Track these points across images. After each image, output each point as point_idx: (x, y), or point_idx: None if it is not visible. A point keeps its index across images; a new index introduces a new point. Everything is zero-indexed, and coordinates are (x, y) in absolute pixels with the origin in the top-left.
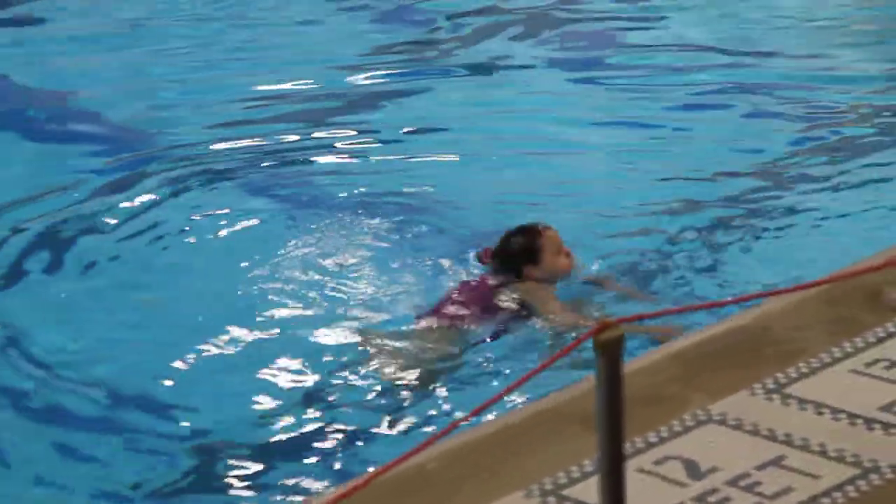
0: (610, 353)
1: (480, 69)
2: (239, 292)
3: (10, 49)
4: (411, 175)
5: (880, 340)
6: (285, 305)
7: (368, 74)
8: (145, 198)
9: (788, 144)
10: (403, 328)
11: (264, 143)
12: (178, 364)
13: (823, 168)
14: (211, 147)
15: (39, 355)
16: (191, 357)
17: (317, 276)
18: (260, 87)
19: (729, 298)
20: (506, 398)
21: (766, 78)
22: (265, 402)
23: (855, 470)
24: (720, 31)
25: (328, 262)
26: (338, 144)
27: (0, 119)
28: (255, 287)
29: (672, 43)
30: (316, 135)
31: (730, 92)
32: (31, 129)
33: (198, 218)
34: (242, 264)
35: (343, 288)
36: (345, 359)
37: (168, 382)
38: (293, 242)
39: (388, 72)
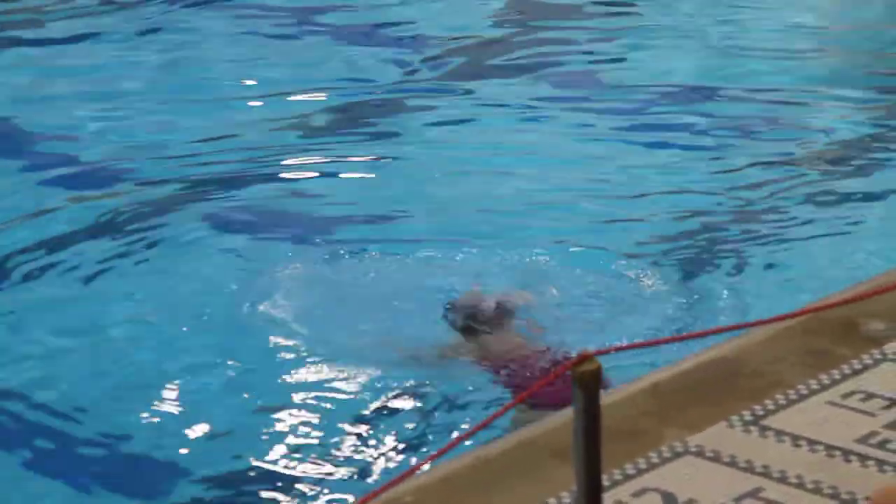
0: (588, 386)
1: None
2: (213, 320)
3: None
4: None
5: (856, 372)
6: (262, 335)
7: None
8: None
9: (764, 175)
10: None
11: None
12: (155, 388)
13: (797, 202)
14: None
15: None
16: (167, 387)
17: (291, 309)
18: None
19: (705, 330)
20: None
21: (745, 109)
22: (237, 436)
23: (833, 501)
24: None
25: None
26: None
27: None
28: (227, 317)
29: (651, 77)
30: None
31: (708, 124)
32: None
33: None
34: (230, 288)
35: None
36: (318, 392)
37: (142, 407)
38: (275, 266)
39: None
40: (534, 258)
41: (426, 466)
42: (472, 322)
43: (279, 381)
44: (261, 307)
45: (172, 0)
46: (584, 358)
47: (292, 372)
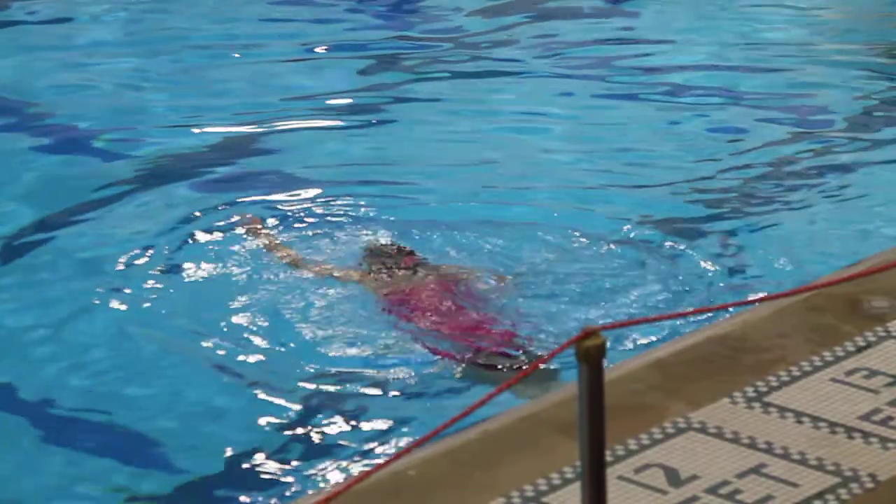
0: (592, 361)
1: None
2: (220, 310)
3: None
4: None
5: (860, 349)
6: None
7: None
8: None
9: (768, 157)
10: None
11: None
12: (158, 372)
13: (804, 178)
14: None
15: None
16: (174, 365)
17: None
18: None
19: (709, 306)
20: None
21: (754, 87)
22: (245, 410)
23: (835, 478)
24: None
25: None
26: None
27: None
28: (236, 304)
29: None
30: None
31: (717, 102)
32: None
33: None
34: (235, 275)
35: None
36: (323, 365)
37: (145, 390)
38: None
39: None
40: (533, 232)
41: (431, 440)
42: (372, 258)
43: (281, 353)
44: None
45: None
46: (588, 333)
47: (301, 340)
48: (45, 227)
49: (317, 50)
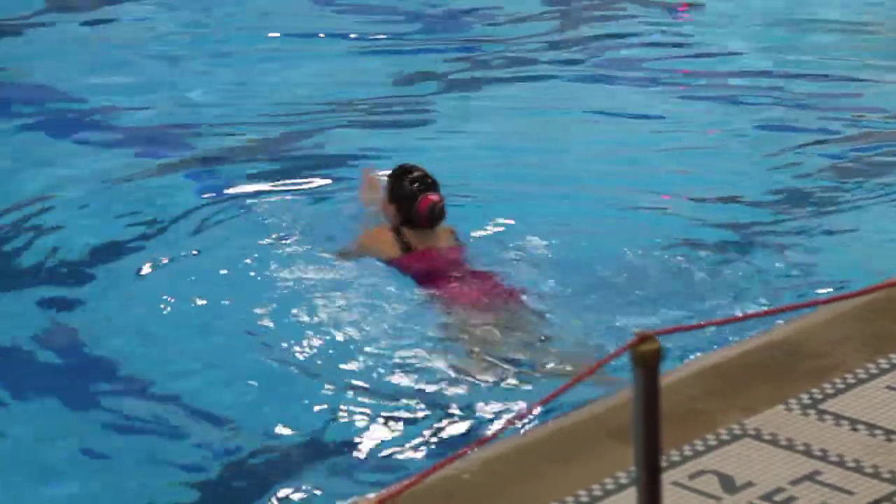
0: (647, 366)
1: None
2: (263, 307)
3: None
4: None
5: None
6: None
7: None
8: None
9: (827, 157)
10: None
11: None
12: (211, 368)
13: (861, 181)
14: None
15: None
16: (224, 363)
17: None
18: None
19: (766, 309)
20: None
21: (811, 89)
22: (299, 411)
23: (891, 486)
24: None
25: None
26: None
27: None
28: (279, 303)
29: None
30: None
31: (771, 103)
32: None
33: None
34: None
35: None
36: (377, 367)
37: (202, 388)
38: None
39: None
40: (587, 234)
41: (486, 444)
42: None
43: (334, 353)
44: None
45: None
46: (644, 338)
47: (351, 337)
48: (102, 229)
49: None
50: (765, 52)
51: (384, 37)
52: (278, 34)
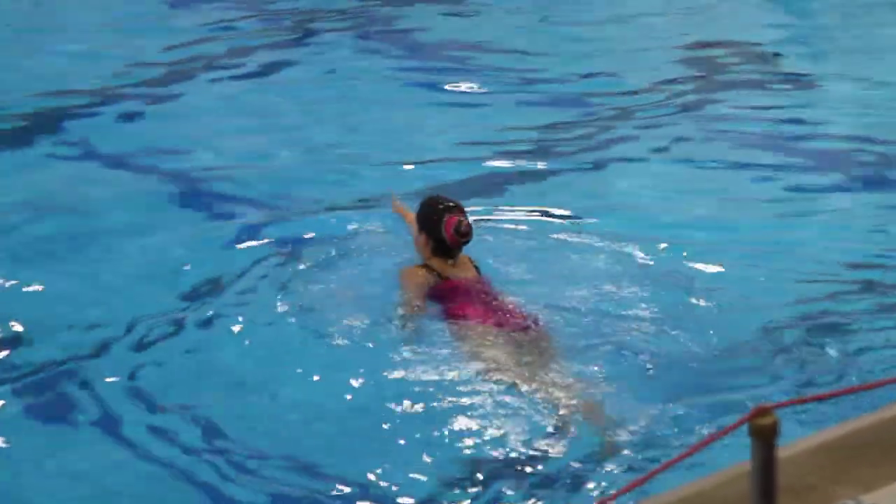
0: (765, 439)
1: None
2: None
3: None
4: None
5: None
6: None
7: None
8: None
9: None
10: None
11: None
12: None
13: None
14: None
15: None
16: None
17: None
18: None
19: (886, 378)
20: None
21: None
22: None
23: None
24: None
25: None
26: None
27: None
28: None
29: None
30: None
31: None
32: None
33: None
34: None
35: None
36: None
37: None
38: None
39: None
40: (699, 303)
41: None
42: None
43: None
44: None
45: None
46: (761, 411)
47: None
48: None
49: None
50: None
51: None
52: None
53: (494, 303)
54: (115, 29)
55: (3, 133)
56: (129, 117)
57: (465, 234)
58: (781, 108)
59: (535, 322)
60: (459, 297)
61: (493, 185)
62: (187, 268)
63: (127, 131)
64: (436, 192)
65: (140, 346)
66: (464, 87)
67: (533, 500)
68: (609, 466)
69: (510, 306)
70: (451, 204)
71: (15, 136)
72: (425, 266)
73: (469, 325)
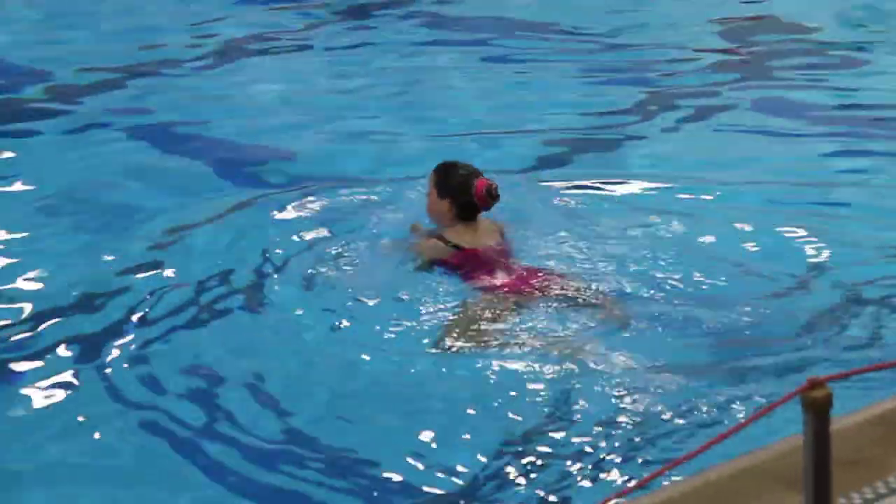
0: (818, 412)
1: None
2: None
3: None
4: None
5: None
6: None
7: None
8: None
9: None
10: None
11: None
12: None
13: None
14: None
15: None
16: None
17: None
18: None
19: None
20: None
21: None
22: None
23: None
24: None
25: None
26: None
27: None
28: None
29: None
30: None
31: None
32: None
33: None
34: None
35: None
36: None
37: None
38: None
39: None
40: (759, 276)
41: (644, 488)
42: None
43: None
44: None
45: None
46: (814, 384)
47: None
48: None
49: None
50: None
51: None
52: None
53: (515, 269)
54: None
55: (52, 110)
56: (169, 90)
57: (496, 197)
58: (828, 78)
59: (562, 287)
60: (479, 265)
61: (537, 157)
62: (225, 242)
63: (165, 104)
64: (447, 160)
65: (172, 317)
66: (505, 59)
67: (578, 471)
68: (659, 440)
69: (531, 272)
70: (473, 168)
71: (63, 112)
72: (440, 238)
73: (488, 292)
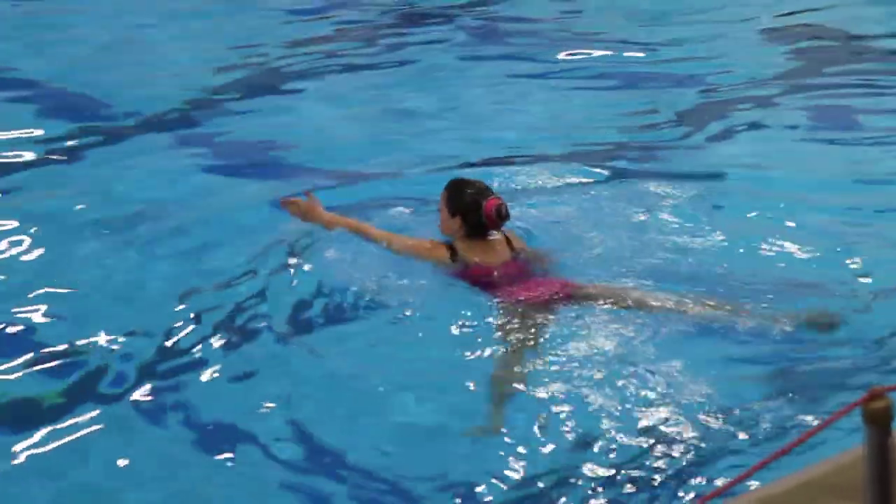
0: (879, 423)
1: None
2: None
3: None
4: None
5: None
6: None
7: None
8: None
9: None
10: None
11: None
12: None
13: None
14: None
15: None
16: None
17: None
18: None
19: None
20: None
21: None
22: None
23: None
24: None
25: None
26: None
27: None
28: None
29: None
30: None
31: None
32: None
33: None
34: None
35: None
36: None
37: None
38: None
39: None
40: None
41: None
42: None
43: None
44: None
45: None
46: (875, 395)
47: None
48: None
49: None
50: None
51: None
52: None
53: (527, 282)
54: None
55: (117, 130)
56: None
57: (506, 217)
58: (877, 80)
59: (567, 296)
60: (491, 282)
61: (574, 161)
62: (258, 233)
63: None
64: (459, 177)
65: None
66: (546, 65)
67: (633, 490)
68: (718, 454)
69: (545, 283)
70: (483, 187)
71: (129, 132)
72: (449, 247)
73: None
